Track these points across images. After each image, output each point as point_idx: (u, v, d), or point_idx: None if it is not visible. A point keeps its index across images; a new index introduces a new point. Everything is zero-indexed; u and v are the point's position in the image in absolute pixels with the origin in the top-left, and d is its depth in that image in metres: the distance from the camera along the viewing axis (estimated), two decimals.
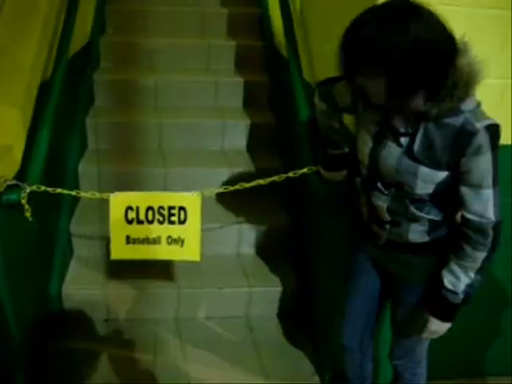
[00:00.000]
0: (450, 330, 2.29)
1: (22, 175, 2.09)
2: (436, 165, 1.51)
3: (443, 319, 1.69)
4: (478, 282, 1.61)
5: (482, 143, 1.44)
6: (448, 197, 1.57)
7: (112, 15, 4.03)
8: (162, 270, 2.99)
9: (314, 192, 2.49)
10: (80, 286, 2.87)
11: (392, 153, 1.57)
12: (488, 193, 1.50)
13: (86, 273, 2.95)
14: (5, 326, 2.12)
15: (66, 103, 2.81)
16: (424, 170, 1.52)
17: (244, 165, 3.40)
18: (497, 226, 1.53)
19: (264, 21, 4.01)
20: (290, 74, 2.88)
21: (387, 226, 1.70)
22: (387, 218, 1.68)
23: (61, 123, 2.69)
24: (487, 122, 1.45)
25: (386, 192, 1.63)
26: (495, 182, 1.50)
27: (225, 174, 3.32)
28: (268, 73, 3.87)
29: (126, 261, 3.00)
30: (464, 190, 1.51)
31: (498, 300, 2.49)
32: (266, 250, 3.17)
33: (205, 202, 3.25)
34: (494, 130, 1.45)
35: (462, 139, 1.45)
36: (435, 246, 1.69)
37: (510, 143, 2.08)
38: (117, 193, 2.02)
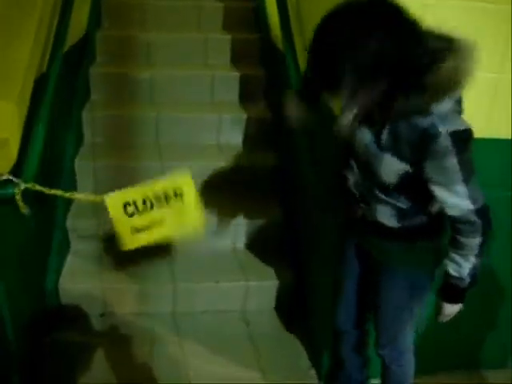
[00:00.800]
0: (446, 323, 2.31)
1: (17, 170, 2.08)
2: (400, 158, 1.52)
3: (455, 302, 1.74)
4: (479, 264, 1.64)
5: (444, 148, 1.44)
6: (416, 189, 1.58)
7: (108, 8, 4.01)
8: (159, 264, 3.00)
9: (309, 186, 2.49)
10: (76, 281, 2.86)
11: (364, 135, 1.61)
12: (459, 189, 1.50)
13: (82, 267, 2.95)
14: (0, 321, 2.12)
15: (61, 97, 2.81)
16: (387, 160, 1.54)
17: (240, 159, 3.40)
18: (481, 212, 1.54)
19: (260, 14, 4.00)
20: (286, 68, 2.88)
21: (361, 205, 1.75)
22: (358, 194, 1.73)
23: (57, 117, 2.69)
24: (454, 127, 1.44)
25: (354, 168, 1.69)
26: (467, 180, 1.49)
27: (221, 168, 3.32)
28: (264, 66, 3.87)
29: (123, 255, 3.03)
30: (435, 188, 1.53)
31: (495, 293, 2.49)
32: (261, 245, 3.17)
33: (200, 197, 3.28)
34: (459, 135, 1.45)
35: (424, 142, 1.45)
36: (406, 233, 1.71)
37: (509, 138, 2.08)
38: (110, 194, 2.03)
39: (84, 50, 3.57)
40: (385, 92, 1.41)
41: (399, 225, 1.70)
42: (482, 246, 1.60)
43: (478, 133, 2.06)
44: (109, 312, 2.88)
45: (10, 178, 1.94)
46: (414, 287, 1.84)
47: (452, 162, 1.46)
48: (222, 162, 3.32)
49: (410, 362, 2.08)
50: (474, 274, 1.65)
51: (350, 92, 1.39)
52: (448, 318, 1.81)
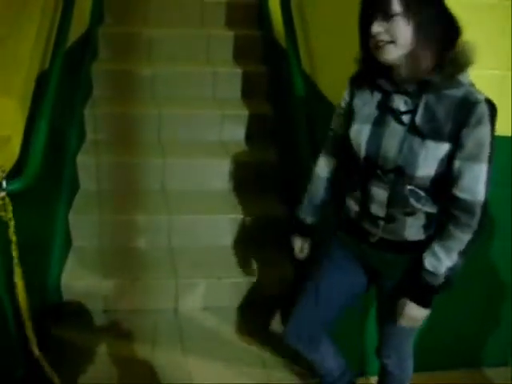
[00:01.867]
0: (448, 320, 2.31)
1: (20, 166, 2.08)
2: (439, 136, 1.49)
3: (420, 303, 1.64)
4: (459, 266, 1.59)
5: (484, 114, 1.45)
6: (443, 187, 1.55)
7: (110, 4, 4.01)
8: (161, 260, 3.00)
9: None
10: (78, 277, 2.87)
11: (394, 133, 1.55)
12: (482, 168, 1.49)
13: (84, 264, 2.95)
14: (3, 317, 2.13)
15: (64, 93, 2.81)
16: (428, 144, 1.50)
17: (242, 156, 3.40)
18: (484, 207, 1.52)
19: (263, 11, 4.00)
20: (288, 65, 2.88)
21: (381, 223, 1.67)
22: (381, 213, 1.65)
23: (59, 114, 2.69)
24: (487, 96, 1.48)
25: (385, 179, 1.60)
26: (490, 159, 1.49)
27: (223, 164, 3.32)
28: (266, 63, 3.87)
29: (126, 251, 3.04)
30: (458, 163, 1.50)
31: (497, 290, 2.49)
32: (263, 240, 3.17)
33: (203, 193, 3.29)
34: (493, 105, 1.48)
35: (465, 109, 1.46)
36: (428, 243, 1.64)
37: (509, 135, 2.07)
38: None
39: (86, 47, 3.57)
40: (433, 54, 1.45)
41: (425, 235, 1.66)
42: (469, 244, 1.56)
43: None
44: (111, 308, 2.89)
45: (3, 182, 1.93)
46: None
47: (486, 130, 1.46)
48: (223, 159, 3.33)
49: (410, 366, 2.07)
50: (450, 276, 1.59)
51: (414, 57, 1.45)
52: (411, 324, 1.71)
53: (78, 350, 2.61)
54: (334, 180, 1.88)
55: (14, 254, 2.04)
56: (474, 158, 1.49)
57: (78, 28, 3.22)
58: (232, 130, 3.55)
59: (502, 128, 2.07)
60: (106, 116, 3.50)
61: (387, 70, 1.51)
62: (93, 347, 2.62)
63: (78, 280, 2.86)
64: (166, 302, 2.92)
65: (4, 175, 1.92)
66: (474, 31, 1.88)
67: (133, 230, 3.09)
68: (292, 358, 2.63)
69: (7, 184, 1.93)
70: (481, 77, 1.95)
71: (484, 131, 1.46)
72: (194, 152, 3.38)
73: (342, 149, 1.74)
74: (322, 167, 1.89)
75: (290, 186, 3.23)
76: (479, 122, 1.45)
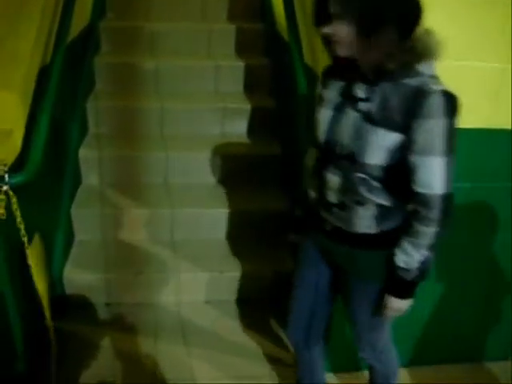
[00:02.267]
0: (449, 315, 2.31)
1: (22, 160, 2.09)
2: (390, 125, 1.48)
3: (401, 296, 1.67)
4: (431, 259, 1.60)
5: (436, 106, 1.43)
6: (399, 182, 1.55)
7: None
8: (163, 254, 3.01)
9: None
10: (81, 271, 2.88)
11: (350, 120, 1.56)
12: (437, 161, 1.47)
13: (87, 257, 2.97)
14: (4, 310, 2.14)
15: (66, 87, 2.81)
16: (378, 132, 1.49)
17: (244, 149, 3.40)
18: (446, 199, 1.50)
19: (265, 4, 3.98)
20: (290, 58, 2.87)
21: (335, 210, 1.68)
22: (334, 199, 1.66)
23: (61, 108, 2.69)
24: (445, 88, 1.46)
25: (339, 166, 1.60)
26: (448, 152, 1.47)
27: (225, 157, 3.32)
28: (269, 56, 3.86)
29: (128, 245, 3.04)
30: (413, 158, 1.49)
31: (498, 285, 2.49)
32: (265, 234, 3.17)
33: (205, 187, 3.29)
34: (450, 97, 1.45)
35: (417, 100, 1.44)
36: (384, 239, 1.65)
37: (509, 128, 2.07)
38: None
39: (88, 40, 3.57)
40: (384, 43, 1.44)
41: (378, 229, 1.65)
42: (436, 237, 1.55)
43: (484, 122, 2.08)
44: (113, 302, 2.90)
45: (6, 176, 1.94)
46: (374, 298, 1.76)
47: (439, 122, 1.44)
48: (226, 152, 3.33)
49: (391, 358, 2.05)
50: (423, 268, 1.60)
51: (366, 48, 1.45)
52: (396, 314, 1.74)
53: (81, 342, 2.62)
54: None
55: (25, 240, 2.06)
56: (427, 151, 1.47)
57: (79, 22, 3.22)
58: (234, 123, 3.54)
59: (503, 121, 2.07)
60: (108, 110, 3.50)
61: (348, 59, 1.51)
62: (95, 340, 2.63)
63: (81, 273, 2.87)
64: (169, 296, 2.93)
65: (6, 169, 1.92)
66: (475, 25, 1.88)
67: (135, 224, 3.09)
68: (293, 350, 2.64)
69: (9, 178, 1.93)
70: (481, 69, 1.96)
71: (436, 123, 1.44)
72: (196, 146, 3.38)
73: None
74: (309, 157, 1.87)
75: (292, 180, 3.23)
76: (430, 114, 1.43)
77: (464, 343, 2.62)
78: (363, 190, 1.58)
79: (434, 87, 1.44)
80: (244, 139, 3.52)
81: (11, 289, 2.11)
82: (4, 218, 1.96)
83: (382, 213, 1.62)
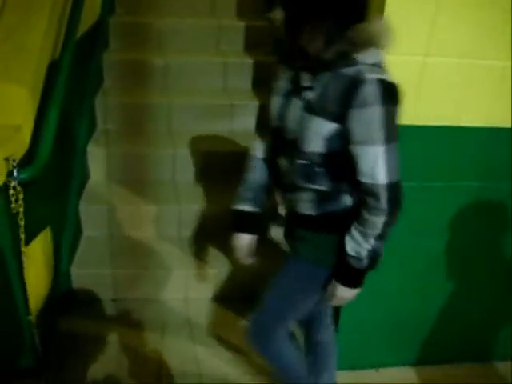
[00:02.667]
0: (456, 314, 2.30)
1: (30, 155, 2.09)
2: (327, 114, 1.49)
3: (349, 285, 1.66)
4: (380, 249, 1.60)
5: (370, 94, 1.43)
6: (342, 168, 1.55)
7: None
8: (171, 250, 3.01)
9: None
10: (89, 266, 2.89)
11: (295, 108, 1.59)
12: (376, 150, 1.46)
13: (94, 253, 2.97)
14: (13, 305, 2.15)
15: (75, 83, 2.81)
16: (316, 120, 1.51)
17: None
18: (391, 189, 1.50)
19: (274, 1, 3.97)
20: None
21: (287, 192, 1.73)
22: (286, 182, 1.70)
23: (70, 103, 2.69)
24: (382, 76, 1.46)
25: (285, 150, 1.64)
26: (388, 140, 1.46)
27: (233, 154, 3.31)
28: (277, 54, 3.84)
29: (135, 241, 3.05)
30: (353, 148, 1.49)
31: (507, 284, 2.48)
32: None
33: (212, 184, 3.29)
34: (388, 85, 1.45)
35: (351, 89, 1.44)
36: (326, 222, 1.66)
37: (509, 126, 2.05)
38: None
39: (97, 37, 3.57)
40: (324, 33, 1.45)
41: (318, 212, 1.65)
42: (385, 227, 1.54)
43: (493, 121, 2.07)
44: (120, 297, 2.90)
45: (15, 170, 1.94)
46: (317, 277, 1.76)
47: (375, 111, 1.43)
48: (234, 149, 3.32)
49: (289, 358, 2.00)
50: (373, 258, 1.60)
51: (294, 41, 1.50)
52: (342, 302, 1.74)
53: (87, 338, 2.62)
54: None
55: (22, 237, 2.07)
56: (365, 141, 1.47)
57: (89, 18, 3.22)
58: (242, 120, 3.54)
59: (503, 119, 2.05)
60: (116, 106, 3.50)
61: (296, 47, 1.53)
62: (102, 335, 2.63)
63: (88, 269, 2.88)
64: (175, 292, 2.93)
65: (14, 164, 1.93)
66: (475, 22, 1.87)
67: (143, 220, 3.09)
68: (299, 347, 2.64)
69: (18, 173, 1.94)
70: (481, 67, 1.94)
71: (371, 112, 1.44)
72: (204, 142, 3.38)
73: None
74: (257, 148, 1.89)
75: None
76: (365, 103, 1.43)
77: (472, 343, 2.61)
78: (303, 176, 1.61)
79: (370, 76, 1.44)
80: (252, 136, 3.51)
81: (20, 284, 2.12)
82: (15, 212, 1.97)
83: (320, 198, 1.63)
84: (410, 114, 1.98)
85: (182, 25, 3.83)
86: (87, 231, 3.09)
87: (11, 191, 1.94)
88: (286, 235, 1.88)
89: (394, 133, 1.48)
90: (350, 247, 1.60)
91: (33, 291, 2.19)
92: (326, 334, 2.10)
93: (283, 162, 1.68)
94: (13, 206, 1.96)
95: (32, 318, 2.22)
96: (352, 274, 1.65)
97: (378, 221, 1.53)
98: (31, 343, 2.25)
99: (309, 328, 2.13)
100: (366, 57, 1.48)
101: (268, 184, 1.87)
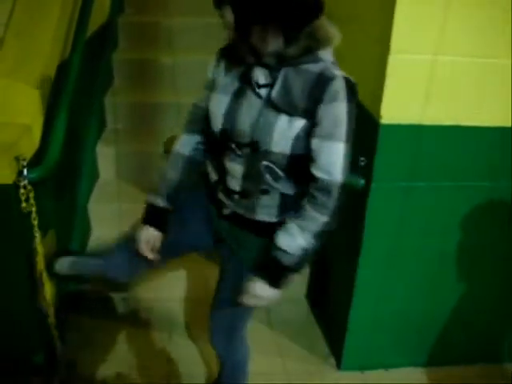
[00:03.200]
0: (466, 315, 2.28)
1: (40, 155, 2.10)
2: (294, 111, 1.47)
3: (269, 282, 1.57)
4: (313, 249, 1.54)
5: (339, 90, 1.44)
6: (303, 171, 1.52)
7: None
8: None
9: None
10: None
11: (251, 106, 1.52)
12: (339, 147, 1.47)
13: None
14: (23, 302, 2.16)
15: (84, 83, 2.82)
16: (282, 119, 1.47)
17: None
18: (342, 188, 1.50)
19: None
20: None
21: (235, 197, 1.64)
22: (237, 187, 1.62)
23: (79, 103, 2.70)
24: (345, 74, 1.47)
25: (239, 153, 1.55)
26: (348, 139, 1.48)
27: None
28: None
29: None
30: (316, 141, 1.47)
31: None
32: None
33: None
34: (350, 83, 1.46)
35: (320, 85, 1.44)
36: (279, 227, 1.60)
37: (509, 126, 2.04)
38: None
39: (107, 36, 3.57)
40: (280, 32, 1.43)
41: (278, 218, 1.62)
42: (325, 226, 1.51)
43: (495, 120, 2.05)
44: (130, 296, 2.90)
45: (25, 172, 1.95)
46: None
47: (342, 107, 1.44)
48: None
49: (244, 353, 2.00)
50: (302, 257, 1.54)
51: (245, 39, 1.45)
52: (257, 302, 1.63)
53: (97, 336, 2.63)
54: (196, 158, 1.77)
55: (37, 235, 2.08)
56: (330, 136, 1.46)
57: (98, 18, 3.22)
58: None
59: (503, 119, 2.04)
60: (125, 105, 3.51)
61: (249, 45, 1.48)
62: (112, 334, 2.64)
63: None
64: (185, 291, 2.93)
65: (25, 164, 1.94)
66: (476, 21, 1.86)
67: None
68: (309, 348, 2.64)
69: (28, 173, 1.94)
70: (491, 66, 1.93)
71: (340, 108, 1.44)
72: None
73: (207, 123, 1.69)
74: (182, 145, 1.79)
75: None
76: (334, 99, 1.44)
77: (482, 344, 2.60)
78: (269, 179, 1.55)
79: (336, 72, 1.45)
80: None
81: (29, 282, 2.13)
82: (27, 211, 1.98)
83: (285, 202, 1.60)
84: (419, 113, 1.98)
85: (191, 24, 3.83)
86: (97, 230, 3.09)
87: (21, 190, 1.95)
88: (227, 236, 1.78)
89: (351, 133, 1.49)
90: (282, 240, 1.54)
91: (47, 292, 2.20)
92: (220, 350, 1.98)
93: (235, 167, 1.59)
94: (23, 205, 1.97)
95: (52, 319, 2.23)
96: (276, 270, 1.57)
97: (321, 218, 1.51)
98: (46, 341, 2.27)
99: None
100: (327, 54, 1.50)
101: (186, 184, 1.79)
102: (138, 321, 2.77)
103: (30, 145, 2.09)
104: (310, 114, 1.46)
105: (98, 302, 2.86)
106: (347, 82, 1.45)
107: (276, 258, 1.55)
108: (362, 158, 2.10)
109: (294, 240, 1.53)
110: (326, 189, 1.49)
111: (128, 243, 1.91)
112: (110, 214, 3.08)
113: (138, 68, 3.68)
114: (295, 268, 1.57)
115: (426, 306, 2.43)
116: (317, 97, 1.45)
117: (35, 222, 2.04)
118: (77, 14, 2.68)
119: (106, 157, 3.28)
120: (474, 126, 2.03)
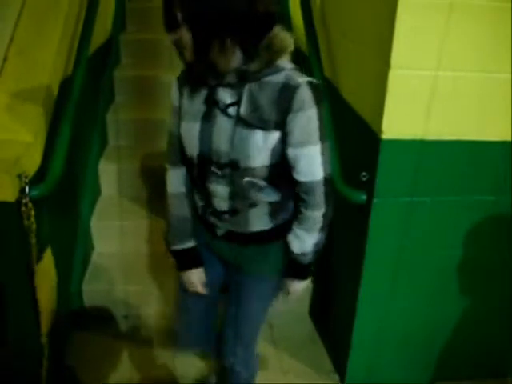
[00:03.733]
0: (473, 329, 2.27)
1: (42, 172, 2.10)
2: (266, 125, 1.48)
3: (300, 278, 1.76)
4: (323, 239, 1.65)
5: (306, 98, 1.45)
6: (283, 176, 1.56)
7: (132, 12, 4.04)
8: None
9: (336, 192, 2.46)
10: (100, 282, 2.89)
11: (223, 127, 1.52)
12: (314, 149, 1.50)
13: (106, 269, 2.97)
14: (28, 315, 2.15)
15: (86, 100, 2.83)
16: (257, 135, 1.48)
17: None
18: (326, 182, 1.54)
19: (284, 17, 3.98)
20: (310, 71, 2.86)
21: (225, 216, 1.66)
22: (225, 207, 1.63)
23: (82, 120, 2.71)
24: (308, 78, 1.47)
25: (220, 174, 1.56)
26: (322, 138, 1.50)
27: None
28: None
29: (147, 257, 3.05)
30: (292, 151, 1.50)
31: None
32: None
33: None
34: (315, 86, 1.47)
35: (286, 95, 1.45)
36: (278, 232, 1.69)
37: (509, 140, 2.04)
38: None
39: (109, 53, 3.60)
40: (238, 49, 1.42)
41: (272, 224, 1.66)
42: (325, 217, 1.60)
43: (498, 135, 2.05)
44: (132, 314, 2.89)
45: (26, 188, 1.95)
46: (275, 288, 1.83)
47: (312, 113, 1.46)
48: None
49: (255, 363, 2.04)
50: (317, 249, 1.66)
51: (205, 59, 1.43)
52: (295, 296, 1.83)
53: (99, 354, 2.62)
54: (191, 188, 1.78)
55: (34, 254, 2.06)
56: (305, 143, 1.49)
57: (100, 35, 3.25)
58: None
59: (505, 133, 2.04)
60: (127, 122, 3.52)
61: (209, 64, 1.46)
62: (114, 352, 2.63)
63: (100, 285, 2.88)
64: None
65: (27, 181, 1.93)
66: (487, 36, 1.86)
67: (154, 236, 3.09)
68: (312, 364, 2.62)
69: (29, 190, 1.94)
70: (493, 80, 1.94)
71: (309, 114, 1.46)
72: None
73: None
74: (173, 183, 1.77)
75: None
76: (302, 107, 1.45)
77: (488, 359, 2.58)
78: (253, 193, 1.58)
79: (300, 80, 1.46)
80: None
81: (32, 298, 2.13)
82: (28, 228, 1.98)
83: (275, 209, 1.64)
84: (420, 128, 1.98)
85: None
86: (99, 247, 3.09)
87: (23, 208, 1.95)
88: (229, 256, 1.80)
89: (325, 131, 1.52)
90: (295, 246, 1.66)
91: (43, 310, 2.19)
92: (239, 364, 1.97)
93: (219, 189, 1.60)
94: (26, 222, 1.96)
95: (44, 339, 2.22)
96: (301, 269, 1.72)
97: (318, 215, 1.59)
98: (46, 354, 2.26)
99: (219, 353, 2.01)
100: (285, 62, 1.51)
101: (192, 214, 1.79)
102: (140, 338, 2.76)
103: (32, 162, 2.09)
104: (282, 125, 1.48)
105: (99, 320, 2.85)
106: (311, 85, 1.46)
107: (296, 260, 1.69)
108: (364, 173, 2.10)
109: (304, 242, 1.64)
110: (311, 190, 1.55)
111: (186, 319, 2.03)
112: (112, 231, 3.09)
113: (140, 85, 3.70)
114: (315, 259, 1.70)
115: (430, 321, 2.42)
116: (285, 107, 1.46)
117: (33, 241, 2.04)
118: (79, 31, 2.70)
119: (107, 173, 3.28)
120: (476, 141, 2.03)
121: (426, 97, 1.92)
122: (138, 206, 3.23)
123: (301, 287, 1.79)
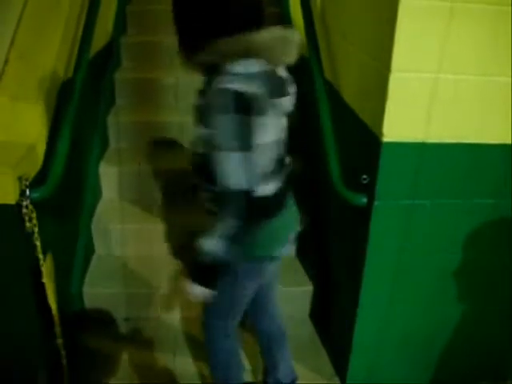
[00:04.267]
0: (472, 333, 2.26)
1: (43, 174, 2.10)
2: (198, 122, 1.60)
3: (195, 281, 1.70)
4: (224, 249, 1.59)
5: (212, 104, 1.51)
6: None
7: (133, 15, 4.04)
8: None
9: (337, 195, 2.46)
10: (101, 285, 2.89)
11: None
12: (221, 156, 1.52)
13: (107, 272, 2.97)
14: (28, 318, 2.15)
15: (87, 102, 2.83)
16: (196, 130, 1.61)
17: None
18: (233, 195, 1.54)
19: (284, 19, 3.98)
20: (310, 72, 2.86)
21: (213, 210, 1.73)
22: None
23: (82, 122, 2.71)
24: (227, 85, 1.49)
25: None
26: (234, 147, 1.51)
27: None
28: (288, 70, 3.84)
29: (148, 260, 3.04)
30: (206, 151, 1.59)
31: None
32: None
33: None
34: (228, 93, 1.49)
35: (207, 98, 1.55)
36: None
37: (509, 143, 2.04)
38: None
39: (109, 56, 3.60)
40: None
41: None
42: (230, 229, 1.57)
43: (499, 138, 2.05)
44: (132, 316, 2.89)
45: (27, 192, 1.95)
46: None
47: (218, 119, 1.50)
48: None
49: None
50: (214, 257, 1.61)
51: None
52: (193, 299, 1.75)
53: (100, 357, 2.62)
54: None
55: (40, 256, 2.08)
56: (212, 147, 1.53)
57: (101, 38, 3.25)
58: None
59: (505, 136, 2.04)
60: (128, 124, 3.52)
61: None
62: (114, 355, 2.63)
63: (100, 288, 2.88)
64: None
65: (27, 184, 1.94)
66: (488, 39, 1.86)
67: (155, 239, 3.09)
68: (314, 368, 2.62)
69: (30, 192, 1.94)
70: (494, 83, 1.93)
71: (214, 120, 1.50)
72: None
73: None
74: None
75: (314, 198, 3.21)
76: (208, 111, 1.51)
77: (488, 361, 2.57)
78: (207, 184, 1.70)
79: (219, 85, 1.50)
80: None
81: (34, 303, 2.13)
82: (30, 231, 1.98)
83: (216, 197, 1.68)
84: (421, 130, 1.98)
85: None
86: (99, 250, 3.09)
87: (24, 210, 1.95)
88: None
89: (240, 140, 1.52)
90: (200, 241, 1.62)
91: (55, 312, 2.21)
92: (274, 325, 2.18)
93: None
94: (27, 225, 1.97)
95: (60, 340, 2.26)
96: (197, 269, 1.69)
97: (227, 223, 1.57)
98: (49, 361, 2.26)
99: (255, 318, 2.22)
100: (234, 67, 1.54)
101: None
102: (141, 341, 2.75)
103: (33, 164, 2.09)
104: (204, 125, 1.56)
105: (100, 323, 2.85)
106: (223, 93, 1.49)
107: (196, 258, 1.66)
108: (365, 176, 2.10)
109: (209, 239, 1.61)
110: (218, 198, 1.59)
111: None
112: (113, 234, 3.08)
113: (141, 87, 3.70)
114: (214, 269, 1.68)
115: (430, 323, 2.42)
116: (203, 109, 1.56)
117: (38, 243, 2.04)
118: (80, 34, 2.71)
119: (108, 176, 3.28)
120: (477, 144, 2.03)
121: (427, 100, 1.92)
122: (139, 208, 3.22)
123: (196, 292, 1.74)
